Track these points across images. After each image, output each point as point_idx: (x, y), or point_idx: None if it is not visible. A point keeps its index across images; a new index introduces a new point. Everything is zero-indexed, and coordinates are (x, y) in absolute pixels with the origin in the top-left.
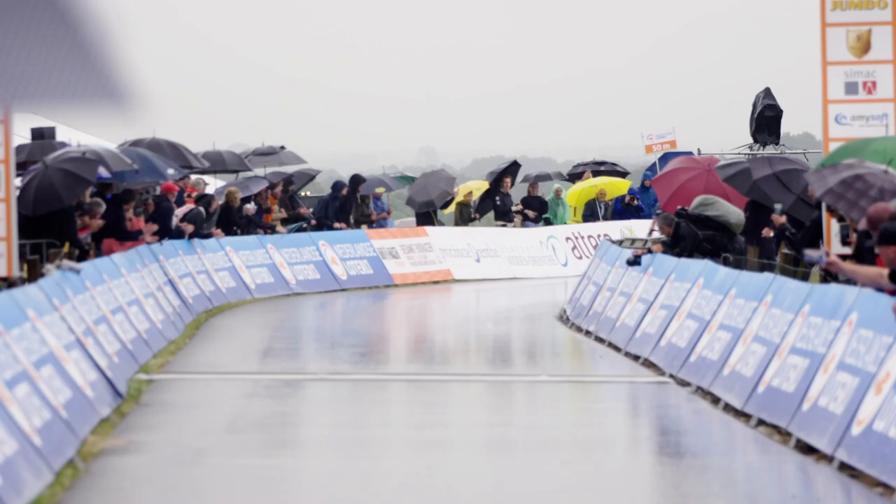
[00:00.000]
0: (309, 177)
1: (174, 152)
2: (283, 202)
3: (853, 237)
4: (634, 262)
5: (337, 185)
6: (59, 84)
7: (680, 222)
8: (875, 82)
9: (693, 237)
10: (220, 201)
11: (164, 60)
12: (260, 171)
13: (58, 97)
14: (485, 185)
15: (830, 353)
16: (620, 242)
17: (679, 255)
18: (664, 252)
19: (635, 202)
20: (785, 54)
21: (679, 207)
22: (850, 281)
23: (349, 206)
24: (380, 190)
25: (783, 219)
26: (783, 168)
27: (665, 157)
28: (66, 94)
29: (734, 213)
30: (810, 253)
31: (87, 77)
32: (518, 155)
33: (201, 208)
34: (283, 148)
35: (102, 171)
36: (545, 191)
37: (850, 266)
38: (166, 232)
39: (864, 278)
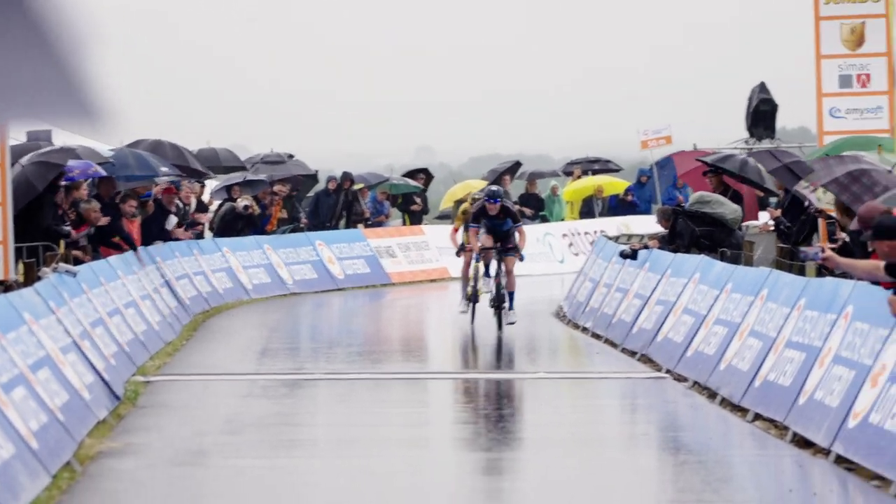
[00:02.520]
0: (314, 181)
1: (175, 153)
2: (286, 202)
3: (840, 234)
4: (630, 255)
5: (328, 180)
6: (32, 97)
7: (678, 218)
8: (869, 75)
9: (690, 233)
10: (218, 200)
11: (160, 66)
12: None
13: (30, 111)
14: (482, 184)
15: (826, 347)
16: (617, 239)
17: (676, 250)
18: (660, 247)
19: (630, 198)
20: (780, 48)
21: (675, 204)
22: (844, 274)
23: (343, 204)
24: (358, 186)
25: (778, 212)
26: (792, 160)
27: (665, 162)
28: (37, 109)
29: (731, 209)
30: (806, 250)
31: (59, 92)
32: (515, 152)
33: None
34: (291, 157)
35: (99, 169)
36: (543, 188)
37: (846, 260)
38: (161, 234)
39: (861, 272)
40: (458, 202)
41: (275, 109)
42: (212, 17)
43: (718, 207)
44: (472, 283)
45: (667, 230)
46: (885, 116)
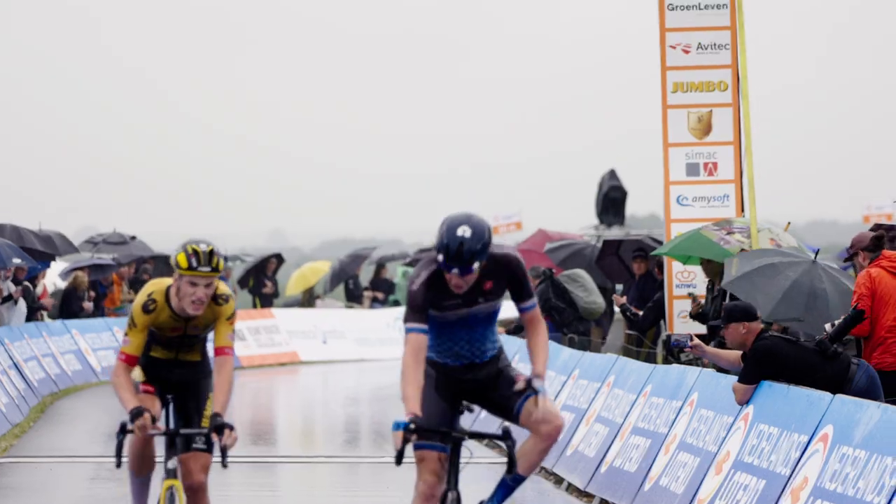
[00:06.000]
0: (166, 264)
1: (15, 235)
2: (132, 284)
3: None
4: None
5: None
6: None
7: (543, 281)
8: (716, 163)
9: (546, 300)
10: (65, 283)
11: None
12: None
13: None
14: (327, 266)
15: (672, 433)
16: None
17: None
18: (507, 332)
19: None
20: (629, 135)
21: (548, 269)
22: (691, 362)
23: None
24: None
25: (623, 299)
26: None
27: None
28: None
29: (591, 300)
30: (677, 337)
31: None
32: (367, 237)
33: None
34: (133, 238)
35: None
36: (393, 273)
37: (712, 349)
38: None
39: (725, 362)
40: (308, 290)
41: (126, 190)
42: (56, 90)
43: (579, 291)
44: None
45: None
46: (732, 205)
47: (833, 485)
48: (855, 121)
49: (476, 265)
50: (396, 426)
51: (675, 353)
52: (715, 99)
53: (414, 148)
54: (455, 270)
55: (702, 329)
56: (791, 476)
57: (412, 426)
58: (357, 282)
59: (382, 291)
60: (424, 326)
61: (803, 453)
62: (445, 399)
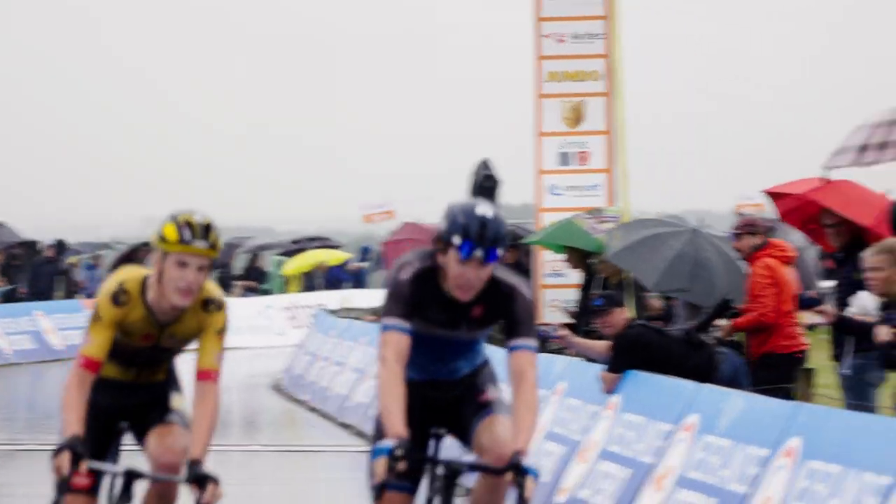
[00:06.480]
0: (34, 250)
1: None
2: (3, 271)
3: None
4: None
5: (46, 248)
6: None
7: None
8: (588, 153)
9: None
10: None
11: None
12: None
13: None
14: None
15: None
16: (336, 312)
17: None
18: (375, 321)
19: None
20: (503, 124)
21: None
22: (558, 351)
23: (60, 274)
24: (73, 260)
25: None
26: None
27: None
28: None
29: None
30: (544, 327)
31: None
32: (239, 224)
33: None
34: (0, 225)
35: None
36: (266, 261)
37: (580, 340)
38: None
39: (594, 353)
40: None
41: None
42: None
43: None
44: None
45: None
46: (603, 194)
47: (697, 473)
48: (724, 112)
49: (500, 252)
50: (378, 452)
51: (541, 342)
52: (589, 88)
53: (279, 136)
54: (479, 252)
55: (567, 318)
56: (656, 465)
57: (399, 452)
58: (228, 270)
59: (255, 280)
60: (407, 325)
61: (669, 442)
62: (410, 423)
